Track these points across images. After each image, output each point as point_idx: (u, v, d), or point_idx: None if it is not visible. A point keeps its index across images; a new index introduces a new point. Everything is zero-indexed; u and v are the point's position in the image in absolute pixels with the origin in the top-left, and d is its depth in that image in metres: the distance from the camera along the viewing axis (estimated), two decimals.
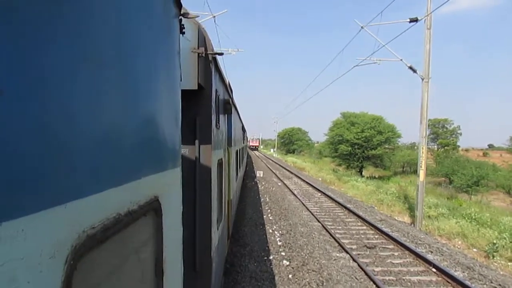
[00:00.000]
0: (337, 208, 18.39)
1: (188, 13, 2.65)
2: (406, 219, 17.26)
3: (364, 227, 14.33)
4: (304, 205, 18.80)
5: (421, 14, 14.69)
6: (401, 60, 16.20)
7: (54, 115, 0.81)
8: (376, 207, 19.79)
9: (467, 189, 39.38)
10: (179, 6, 2.18)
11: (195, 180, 4.08)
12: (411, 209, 18.45)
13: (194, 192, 4.06)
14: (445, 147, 78.76)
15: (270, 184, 27.81)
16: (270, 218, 15.57)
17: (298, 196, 21.56)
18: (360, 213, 16.54)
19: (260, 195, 21.87)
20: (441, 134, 79.96)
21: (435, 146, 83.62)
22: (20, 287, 0.67)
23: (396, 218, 17.21)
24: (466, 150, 73.42)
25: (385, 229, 13.60)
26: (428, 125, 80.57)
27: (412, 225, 15.87)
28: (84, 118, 0.96)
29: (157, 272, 1.61)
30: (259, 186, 26.04)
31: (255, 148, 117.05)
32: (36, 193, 0.74)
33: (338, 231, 13.63)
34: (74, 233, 0.87)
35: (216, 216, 4.84)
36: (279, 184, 27.92)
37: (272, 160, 59.56)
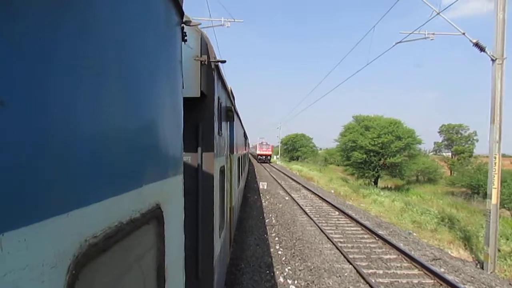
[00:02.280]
0: (366, 236, 14.08)
1: (190, 21, 2.60)
2: (463, 253, 12.82)
3: (416, 272, 9.99)
4: (321, 230, 14.65)
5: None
6: (464, 34, 11.90)
7: (56, 124, 0.82)
8: (415, 234, 15.37)
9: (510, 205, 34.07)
10: (181, 14, 2.22)
11: (198, 187, 4.10)
12: (466, 239, 14.02)
13: (197, 199, 4.08)
14: (461, 154, 74.02)
15: (276, 198, 23.77)
16: (280, 253, 11.38)
17: (312, 216, 17.45)
18: (401, 246, 12.40)
19: (265, 215, 17.68)
20: (456, 140, 75.33)
21: (450, 154, 78.89)
22: None
23: (450, 252, 12.79)
24: (475, 157, 68.92)
25: (448, 277, 9.19)
26: (442, 131, 73.78)
27: (479, 266, 11.43)
28: (86, 126, 0.98)
29: (159, 280, 1.62)
30: (263, 201, 22.24)
31: (266, 160, 77.99)
32: (38, 202, 0.75)
33: (380, 279, 9.29)
34: (76, 242, 0.88)
35: (218, 223, 4.84)
36: (286, 198, 23.74)
37: (276, 168, 55.47)
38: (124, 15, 1.29)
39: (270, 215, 17.90)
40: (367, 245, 12.72)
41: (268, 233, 14.10)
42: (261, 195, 24.72)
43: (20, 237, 0.67)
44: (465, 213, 21.67)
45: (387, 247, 12.38)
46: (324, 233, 14.13)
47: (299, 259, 10.86)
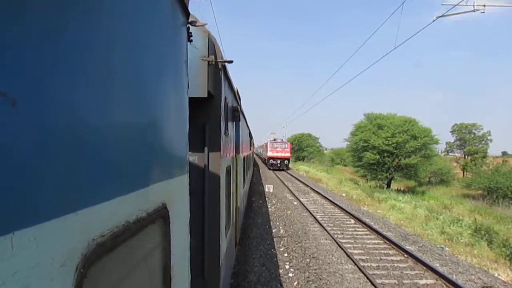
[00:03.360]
0: (391, 252, 12.01)
1: (196, 21, 2.65)
2: None
3: None
4: (338, 244, 12.73)
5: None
6: None
7: (65, 124, 0.84)
8: (448, 249, 13.16)
9: None
10: (187, 14, 2.23)
11: (204, 187, 4.14)
12: None
13: (203, 199, 4.12)
14: (474, 155, 71.13)
15: (283, 203, 21.66)
16: (290, 275, 9.28)
17: (325, 226, 15.40)
18: (437, 267, 10.41)
19: (271, 223, 15.64)
20: (469, 140, 72.44)
21: (457, 154, 75.95)
22: None
23: (498, 275, 10.57)
24: (485, 157, 66.44)
25: None
26: (454, 131, 70.45)
27: None
28: (95, 126, 0.99)
29: (165, 279, 1.64)
30: (269, 207, 20.25)
31: (281, 166, 50.45)
32: (48, 201, 0.76)
33: None
34: (84, 241, 0.89)
35: (224, 223, 4.86)
36: (295, 203, 21.60)
37: (281, 168, 52.82)
38: (131, 16, 1.30)
39: (278, 224, 15.84)
40: (395, 264, 10.62)
41: (275, 247, 12.06)
42: (266, 199, 22.57)
43: (30, 236, 0.68)
44: (490, 220, 19.45)
45: (420, 267, 10.28)
46: (342, 248, 12.03)
47: (316, 287, 8.75)
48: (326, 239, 13.35)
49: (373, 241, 13.20)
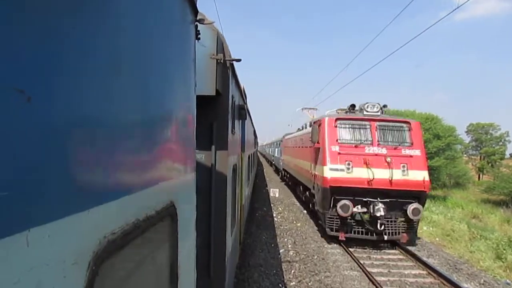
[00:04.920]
0: None
1: (204, 19, 2.60)
2: None
3: None
4: (370, 278, 9.17)
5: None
6: None
7: (77, 122, 0.84)
8: None
9: None
10: (195, 12, 2.24)
11: (211, 185, 4.13)
12: None
13: (210, 197, 4.12)
14: (491, 157, 67.29)
15: (291, 211, 18.51)
16: None
17: (345, 245, 11.80)
18: None
19: (278, 240, 12.78)
20: (485, 141, 68.53)
21: (478, 155, 72.12)
22: None
23: None
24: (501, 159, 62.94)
25: None
26: (470, 131, 65.67)
27: None
28: (106, 126, 1.00)
29: (172, 277, 1.65)
30: (274, 215, 17.14)
31: (394, 229, 11.14)
32: (62, 199, 0.76)
33: None
34: (96, 239, 0.90)
35: (230, 221, 4.86)
36: (304, 212, 18.18)
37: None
38: (141, 13, 1.30)
39: (286, 241, 12.66)
40: None
41: (284, 279, 8.89)
42: (271, 205, 19.46)
43: (44, 233, 0.69)
44: None
45: None
46: (375, 286, 8.74)
47: None
48: (352, 269, 10.04)
49: (413, 272, 9.92)
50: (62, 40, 0.79)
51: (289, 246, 12.08)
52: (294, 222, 15.85)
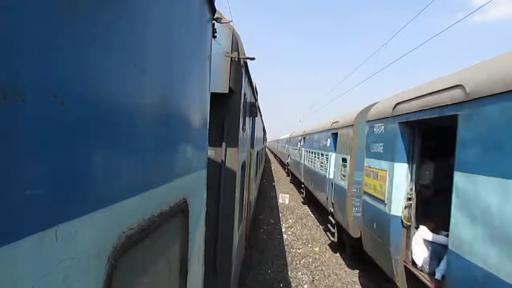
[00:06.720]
0: None
1: (221, 18, 2.67)
2: None
3: None
4: None
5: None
6: None
7: (104, 123, 0.87)
8: None
9: None
10: (213, 11, 2.25)
11: (220, 181, 4.16)
12: None
13: (219, 193, 4.15)
14: None
15: (306, 226, 14.10)
16: None
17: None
18: None
19: (289, 273, 9.13)
20: None
21: None
22: (72, 286, 0.72)
23: None
24: None
25: None
26: None
27: None
28: (130, 126, 1.03)
29: (182, 272, 1.68)
30: (283, 231, 13.13)
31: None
32: (88, 195, 0.80)
33: None
34: (115, 234, 0.94)
35: (237, 217, 4.91)
36: (322, 227, 13.89)
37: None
38: (164, 12, 1.31)
39: (302, 277, 8.87)
40: None
41: None
42: (280, 215, 15.60)
43: (72, 229, 0.72)
44: None
45: None
46: None
47: None
48: None
49: None
50: (96, 41, 0.81)
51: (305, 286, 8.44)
52: (311, 245, 11.65)
